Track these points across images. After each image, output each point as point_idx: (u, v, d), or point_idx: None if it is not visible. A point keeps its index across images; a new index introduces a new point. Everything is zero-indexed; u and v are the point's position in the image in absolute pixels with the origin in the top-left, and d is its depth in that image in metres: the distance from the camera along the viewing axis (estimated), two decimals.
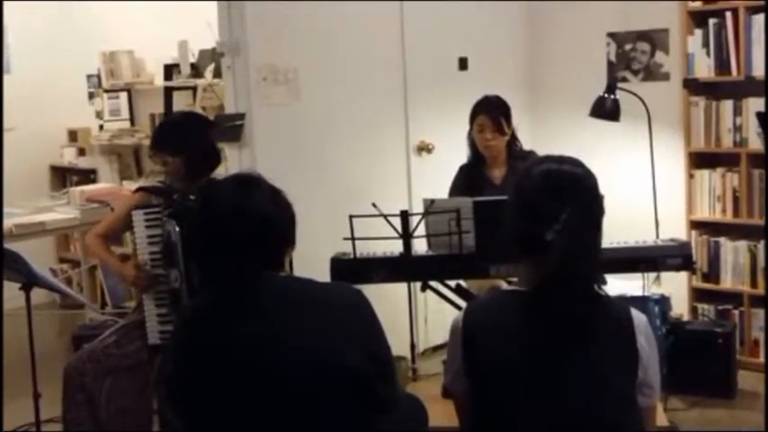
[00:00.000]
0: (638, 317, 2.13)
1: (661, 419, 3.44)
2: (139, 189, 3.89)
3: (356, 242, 3.78)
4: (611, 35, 5.41)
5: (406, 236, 3.83)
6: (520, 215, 2.13)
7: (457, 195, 4.40)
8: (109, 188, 6.04)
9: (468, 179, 4.45)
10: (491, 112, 4.38)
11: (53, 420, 4.10)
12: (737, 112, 4.83)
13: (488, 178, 4.44)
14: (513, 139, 4.49)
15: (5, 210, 5.18)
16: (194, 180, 3.68)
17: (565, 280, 2.03)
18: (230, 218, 2.17)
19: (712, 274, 4.98)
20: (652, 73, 5.27)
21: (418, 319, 4.72)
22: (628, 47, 5.35)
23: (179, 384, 2.22)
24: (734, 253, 4.89)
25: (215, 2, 4.54)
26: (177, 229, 3.40)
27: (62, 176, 7.12)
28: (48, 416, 4.05)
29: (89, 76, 7.07)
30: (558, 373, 2.05)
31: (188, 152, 3.69)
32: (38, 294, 3.77)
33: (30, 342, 3.86)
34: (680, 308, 4.91)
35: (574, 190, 2.09)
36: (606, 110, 4.75)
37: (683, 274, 4.73)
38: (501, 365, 2.07)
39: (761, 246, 4.79)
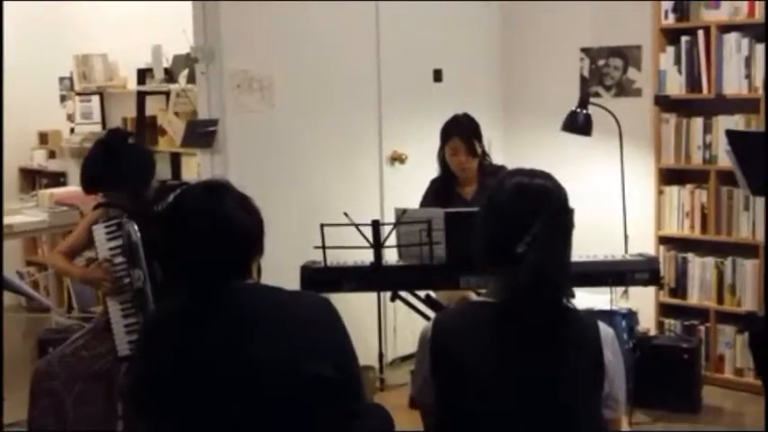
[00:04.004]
0: (605, 330, 2.14)
1: None
2: (98, 206, 3.85)
3: (327, 251, 3.77)
4: (585, 50, 5.46)
5: (377, 245, 3.83)
6: (491, 227, 2.15)
7: (428, 206, 4.40)
8: (78, 192, 5.95)
9: (439, 194, 4.45)
10: (463, 135, 4.38)
11: (16, 424, 4.05)
12: (707, 129, 4.88)
13: (459, 194, 4.44)
14: (484, 154, 4.50)
15: None
16: (141, 192, 3.65)
17: (534, 292, 2.04)
18: (198, 224, 2.16)
19: (679, 289, 5.02)
20: (624, 89, 5.32)
21: (387, 329, 4.72)
22: (601, 62, 5.40)
23: (143, 391, 2.20)
24: (701, 269, 4.93)
25: (190, 6, 4.52)
26: (137, 228, 3.42)
27: (31, 179, 7.06)
28: (10, 420, 4.00)
29: (61, 79, 7.02)
30: (524, 385, 2.05)
31: (117, 184, 3.63)
32: (3, 297, 3.74)
33: None
34: (647, 322, 4.94)
35: (544, 203, 2.11)
36: (578, 124, 4.78)
37: (651, 289, 4.75)
38: (469, 376, 2.07)
39: (728, 262, 4.84)
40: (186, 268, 2.17)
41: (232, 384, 2.07)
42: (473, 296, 3.67)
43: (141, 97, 6.20)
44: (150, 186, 3.69)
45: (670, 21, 4.97)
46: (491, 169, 4.39)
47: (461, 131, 4.40)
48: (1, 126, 4.62)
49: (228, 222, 2.18)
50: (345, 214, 3.72)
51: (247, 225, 2.22)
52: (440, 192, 4.47)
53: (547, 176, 2.18)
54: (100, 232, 3.59)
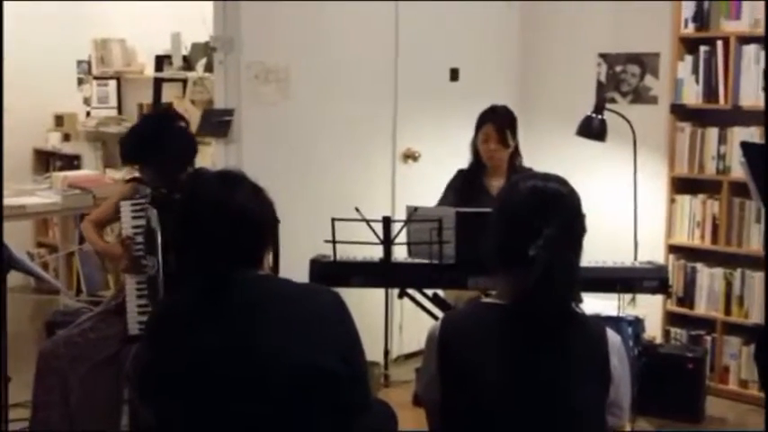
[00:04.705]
0: (612, 337, 2.14)
1: None
2: (132, 179, 3.89)
3: (337, 245, 3.78)
4: (603, 56, 5.45)
5: (387, 242, 3.84)
6: (503, 229, 2.15)
7: (451, 196, 4.43)
8: (92, 175, 6.03)
9: (466, 185, 4.48)
10: (497, 123, 4.43)
11: (21, 405, 4.07)
12: (722, 140, 4.87)
13: (485, 187, 4.45)
14: (516, 152, 4.51)
15: None
16: (176, 176, 3.66)
17: (543, 295, 2.04)
18: (211, 214, 2.17)
19: (687, 298, 5.02)
20: (640, 96, 5.31)
21: (393, 326, 4.73)
22: (618, 68, 5.39)
23: (149, 378, 2.21)
24: (710, 279, 4.93)
25: None
26: (157, 214, 3.44)
27: (45, 161, 7.08)
28: (16, 400, 4.01)
29: (79, 62, 7.04)
30: (530, 388, 2.06)
31: (155, 160, 3.66)
32: (12, 277, 3.75)
33: (2, 326, 3.82)
34: (653, 330, 4.94)
35: (558, 207, 2.12)
36: (593, 129, 4.78)
37: (658, 297, 4.75)
38: (475, 377, 2.08)
39: (737, 273, 4.83)
40: (198, 257, 2.18)
41: (239, 375, 2.08)
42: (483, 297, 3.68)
43: (158, 84, 6.22)
44: (186, 171, 3.71)
45: (689, 30, 4.96)
46: (521, 170, 4.40)
47: (496, 119, 4.44)
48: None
49: (241, 213, 2.19)
50: (357, 209, 3.73)
51: (260, 216, 2.23)
52: (466, 182, 4.49)
53: (561, 181, 2.19)
54: (126, 209, 3.62)
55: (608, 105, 4.90)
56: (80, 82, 7.08)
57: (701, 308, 4.97)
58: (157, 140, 3.67)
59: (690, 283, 5.00)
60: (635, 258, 4.48)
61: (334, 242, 3.76)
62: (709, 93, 4.89)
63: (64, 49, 6.87)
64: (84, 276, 6.32)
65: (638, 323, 4.52)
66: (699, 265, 4.98)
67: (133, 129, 3.82)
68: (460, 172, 4.57)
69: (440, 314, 3.83)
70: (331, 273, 3.83)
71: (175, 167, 3.66)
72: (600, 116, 4.77)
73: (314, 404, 2.11)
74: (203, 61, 5.72)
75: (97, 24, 6.83)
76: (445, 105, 5.30)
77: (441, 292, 4.14)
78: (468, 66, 5.48)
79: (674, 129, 5.03)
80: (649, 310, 4.79)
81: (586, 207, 2.20)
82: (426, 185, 4.68)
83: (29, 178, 6.62)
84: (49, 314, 5.13)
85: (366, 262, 3.92)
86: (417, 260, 3.88)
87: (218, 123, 4.51)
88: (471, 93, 5.35)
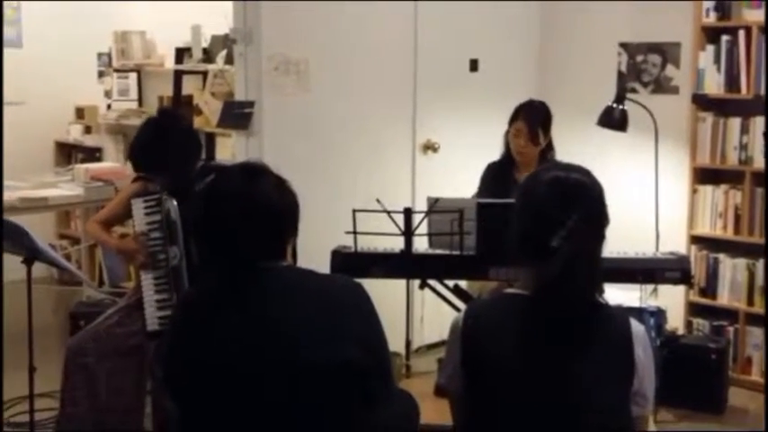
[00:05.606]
0: (636, 327, 2.14)
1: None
2: (138, 178, 3.89)
3: (358, 236, 3.79)
4: (623, 45, 5.42)
5: (408, 233, 3.84)
6: (526, 220, 2.15)
7: (484, 190, 4.41)
8: (114, 167, 6.06)
9: (497, 178, 4.45)
10: (530, 121, 4.37)
11: (47, 395, 4.11)
12: (744, 130, 4.84)
13: (516, 180, 4.43)
14: (549, 147, 4.48)
15: (10, 183, 5.19)
16: (184, 174, 3.65)
17: (566, 286, 2.04)
18: (235, 205, 2.18)
19: (709, 289, 4.99)
20: (662, 86, 5.28)
21: (414, 317, 4.73)
22: (639, 58, 5.36)
23: (174, 368, 2.23)
24: (732, 270, 4.90)
25: None
26: (176, 205, 3.44)
27: (67, 153, 7.13)
28: (40, 390, 4.05)
29: (100, 55, 7.08)
30: (553, 379, 2.06)
31: (167, 168, 3.66)
32: (35, 268, 3.78)
33: (29, 316, 3.86)
34: (675, 321, 4.92)
35: (581, 198, 2.11)
36: (614, 120, 4.77)
37: (681, 288, 4.74)
38: (498, 367, 2.08)
39: (759, 264, 4.80)
40: (222, 249, 2.19)
41: (261, 364, 2.09)
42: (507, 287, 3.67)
43: (178, 76, 6.23)
44: (195, 166, 3.71)
45: (711, 19, 4.92)
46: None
47: (528, 116, 4.40)
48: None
49: (265, 204, 2.19)
50: (378, 201, 3.74)
51: (284, 207, 2.24)
52: (497, 176, 4.46)
53: (584, 171, 2.18)
54: (138, 206, 3.61)
55: (629, 95, 4.89)
56: (101, 74, 7.11)
57: (724, 298, 4.95)
58: (162, 150, 3.66)
59: (712, 274, 4.98)
60: (657, 249, 4.46)
61: (355, 233, 3.77)
62: (731, 82, 4.86)
63: (84, 42, 6.91)
64: (107, 268, 6.36)
65: (660, 314, 4.51)
66: (721, 256, 4.95)
67: (137, 141, 3.79)
68: (489, 167, 4.54)
69: (461, 305, 3.83)
70: (352, 264, 3.84)
71: (184, 167, 3.66)
72: (621, 106, 4.76)
73: (336, 394, 2.12)
74: (223, 53, 5.73)
75: (117, 17, 6.86)
76: (465, 96, 5.29)
77: (462, 283, 4.14)
78: (488, 56, 5.46)
79: (695, 119, 5.00)
80: (671, 300, 4.78)
81: (608, 197, 2.19)
82: (446, 176, 4.67)
83: (51, 170, 6.66)
84: (72, 305, 5.17)
85: (387, 253, 3.92)
86: (438, 251, 3.88)
87: (239, 115, 4.53)
88: (491, 83, 5.34)
